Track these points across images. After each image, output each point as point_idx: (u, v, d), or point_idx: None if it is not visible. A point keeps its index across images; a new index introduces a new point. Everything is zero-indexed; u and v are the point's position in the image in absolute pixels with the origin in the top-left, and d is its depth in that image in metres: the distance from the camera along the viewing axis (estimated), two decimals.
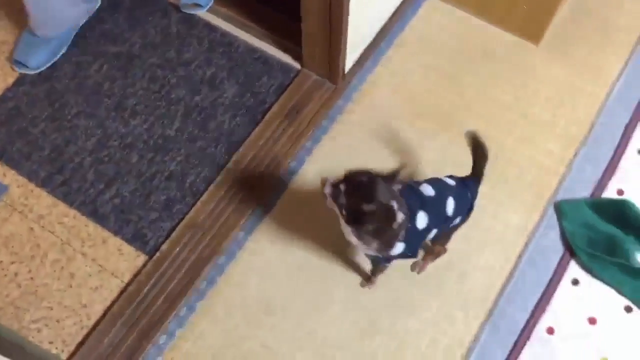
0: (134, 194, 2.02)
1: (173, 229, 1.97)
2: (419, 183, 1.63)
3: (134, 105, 2.15)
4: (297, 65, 2.23)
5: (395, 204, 1.47)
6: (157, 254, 1.93)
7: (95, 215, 1.99)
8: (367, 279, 1.89)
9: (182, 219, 1.99)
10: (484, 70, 2.23)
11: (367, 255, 1.71)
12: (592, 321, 1.86)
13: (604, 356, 1.82)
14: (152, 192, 2.03)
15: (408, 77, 2.22)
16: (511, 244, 1.96)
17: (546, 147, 2.10)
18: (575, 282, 1.91)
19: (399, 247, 1.55)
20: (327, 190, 1.50)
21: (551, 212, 2.01)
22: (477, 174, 1.69)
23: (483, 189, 2.02)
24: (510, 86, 2.20)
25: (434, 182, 1.64)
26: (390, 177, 1.50)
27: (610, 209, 1.98)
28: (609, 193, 2.02)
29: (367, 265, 1.88)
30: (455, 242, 1.85)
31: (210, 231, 1.97)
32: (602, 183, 2.04)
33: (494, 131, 2.12)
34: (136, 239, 1.96)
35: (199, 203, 2.01)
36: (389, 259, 1.65)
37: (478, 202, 1.99)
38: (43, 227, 1.97)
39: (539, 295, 1.90)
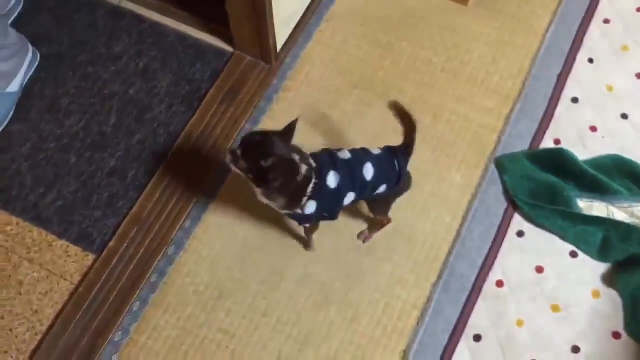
0: (76, 195, 2.00)
1: (119, 225, 1.96)
2: (340, 149, 1.65)
3: (68, 105, 2.12)
4: (229, 49, 2.22)
5: (296, 157, 1.50)
6: (105, 252, 1.92)
7: (39, 220, 1.96)
8: (306, 243, 1.91)
9: (127, 214, 1.97)
10: (415, 35, 2.24)
11: (288, 216, 1.71)
12: (539, 270, 1.90)
13: (554, 302, 1.86)
14: (94, 190, 2.01)
15: (341, 50, 2.22)
16: (456, 203, 1.99)
17: (483, 105, 2.12)
18: (520, 234, 1.94)
19: (311, 205, 1.58)
20: (228, 158, 1.53)
21: (492, 168, 2.04)
22: (407, 142, 1.68)
23: (425, 152, 2.05)
24: (443, 48, 2.21)
25: (355, 150, 1.66)
26: (287, 132, 1.53)
27: (548, 159, 2.01)
28: (546, 144, 2.06)
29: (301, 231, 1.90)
30: (401, 208, 1.87)
31: (156, 223, 1.96)
32: (538, 135, 2.07)
33: (430, 94, 2.14)
34: (82, 240, 1.94)
35: (142, 197, 2.00)
36: (306, 218, 1.66)
37: (421, 166, 2.03)
38: None
39: (486, 250, 1.93)
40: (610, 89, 2.15)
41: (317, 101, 2.14)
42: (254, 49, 2.15)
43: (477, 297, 1.87)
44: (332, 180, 1.57)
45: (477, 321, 1.84)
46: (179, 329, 1.84)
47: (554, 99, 2.12)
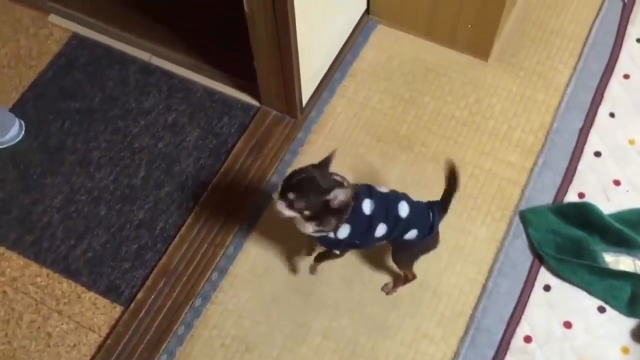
0: (105, 246, 2.03)
1: (147, 277, 1.98)
2: (379, 186, 1.70)
3: (99, 159, 2.17)
4: (255, 103, 2.27)
5: (339, 179, 1.57)
6: (133, 304, 1.94)
7: (68, 271, 1.99)
8: (314, 268, 1.95)
9: (155, 266, 2.00)
10: (438, 90, 2.29)
11: (319, 240, 1.72)
12: (567, 325, 1.89)
13: (583, 358, 1.84)
14: (123, 242, 2.04)
15: (365, 104, 2.27)
16: (481, 256, 1.99)
17: (506, 159, 2.15)
18: (547, 288, 1.94)
19: (345, 230, 1.60)
20: (281, 206, 1.55)
21: (517, 221, 2.05)
22: (445, 199, 1.71)
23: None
24: (465, 102, 2.26)
25: (393, 190, 1.71)
26: (325, 163, 1.58)
27: (573, 213, 2.02)
28: (570, 197, 2.07)
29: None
30: (426, 261, 1.88)
31: (184, 275, 1.98)
32: (562, 188, 2.08)
33: (453, 148, 2.17)
34: (110, 291, 1.96)
35: (170, 248, 2.03)
36: (338, 243, 1.67)
37: (446, 219, 2.03)
38: (16, 289, 1.97)
39: (513, 305, 1.92)
40: (632, 142, 2.17)
41: (341, 154, 2.17)
42: (280, 104, 2.21)
43: (505, 353, 1.85)
44: (367, 206, 1.60)
45: None
46: None
47: (577, 153, 2.14)
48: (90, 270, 1.99)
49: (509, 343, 1.86)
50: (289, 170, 2.14)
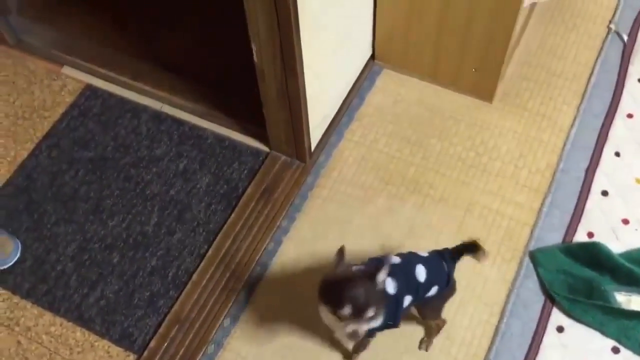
0: (118, 294, 2.04)
1: (160, 324, 1.99)
2: (387, 255, 1.65)
3: (111, 207, 2.21)
4: (265, 149, 2.31)
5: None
6: (146, 352, 1.94)
7: (82, 320, 2.00)
8: (349, 357, 1.89)
9: (168, 313, 2.01)
10: (444, 132, 2.32)
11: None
12: None
13: None
14: (136, 289, 2.05)
15: (372, 147, 2.31)
16: (493, 298, 2.00)
17: (513, 199, 2.17)
18: (560, 329, 1.93)
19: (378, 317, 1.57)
20: (363, 328, 1.49)
21: (527, 262, 2.05)
22: (457, 252, 1.72)
23: None
24: (471, 144, 2.29)
25: (403, 253, 1.70)
26: (341, 260, 1.52)
27: (583, 252, 2.03)
28: (580, 237, 2.08)
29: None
30: None
31: (196, 322, 1.99)
32: (571, 228, 2.09)
33: (460, 189, 2.19)
34: (124, 339, 1.97)
35: (183, 295, 2.04)
36: (372, 332, 1.65)
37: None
38: (30, 338, 1.98)
39: (527, 347, 1.92)
40: (638, 181, 2.18)
41: (350, 197, 2.21)
42: (289, 149, 2.25)
43: None
44: (390, 286, 1.57)
45: None
46: None
47: (584, 193, 2.16)
48: (104, 319, 2.00)
49: None
50: (299, 216, 2.18)
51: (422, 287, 1.64)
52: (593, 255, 2.00)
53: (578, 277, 1.97)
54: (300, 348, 1.94)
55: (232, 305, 2.02)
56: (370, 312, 1.46)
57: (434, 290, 1.68)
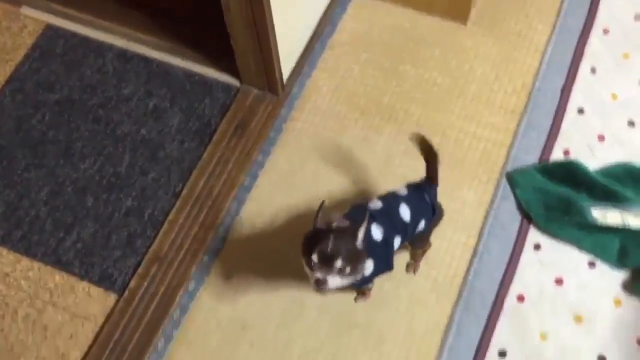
0: (95, 236, 2.02)
1: (139, 264, 1.98)
2: (369, 201, 1.64)
3: (82, 149, 2.16)
4: (236, 83, 2.26)
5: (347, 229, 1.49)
6: (126, 291, 1.94)
7: (60, 263, 1.99)
8: (362, 293, 1.89)
9: (146, 252, 2.00)
10: (418, 58, 2.27)
11: (352, 287, 1.70)
12: (559, 282, 1.90)
13: (577, 314, 1.86)
14: (112, 231, 2.03)
15: (346, 76, 2.26)
16: (471, 220, 2.00)
17: (490, 121, 2.15)
18: (537, 247, 1.95)
19: (369, 265, 1.56)
20: (335, 282, 1.48)
21: (504, 183, 2.05)
22: (430, 175, 1.69)
23: None
24: (446, 68, 2.25)
25: (383, 196, 1.67)
26: (320, 220, 1.50)
27: (559, 171, 2.03)
28: (556, 156, 2.08)
29: None
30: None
31: (175, 260, 1.98)
32: (547, 147, 2.09)
33: (436, 114, 2.17)
34: (104, 280, 1.96)
35: (160, 234, 2.02)
36: (367, 280, 1.66)
37: None
38: (8, 284, 1.96)
39: (504, 266, 1.94)
40: (614, 97, 2.17)
41: (325, 128, 2.17)
42: (260, 81, 2.19)
43: (499, 313, 1.87)
44: (376, 232, 1.56)
45: (501, 337, 1.84)
46: None
47: (560, 111, 2.14)
48: (82, 261, 1.99)
49: (502, 303, 1.88)
50: (274, 150, 2.15)
51: (409, 225, 1.62)
52: (569, 173, 2.01)
53: (554, 195, 1.98)
54: (279, 280, 1.95)
55: (210, 241, 2.01)
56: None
57: (422, 224, 1.66)
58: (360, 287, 1.80)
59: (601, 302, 1.87)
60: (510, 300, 1.89)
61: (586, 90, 2.18)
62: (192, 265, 1.97)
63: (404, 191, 1.68)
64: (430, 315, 1.88)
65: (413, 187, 1.69)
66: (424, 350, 1.84)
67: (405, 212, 1.62)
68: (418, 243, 1.83)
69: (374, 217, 1.58)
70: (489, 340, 1.83)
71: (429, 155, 1.68)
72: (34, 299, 1.94)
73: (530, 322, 1.86)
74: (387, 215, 1.61)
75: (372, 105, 2.20)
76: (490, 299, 1.89)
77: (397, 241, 1.63)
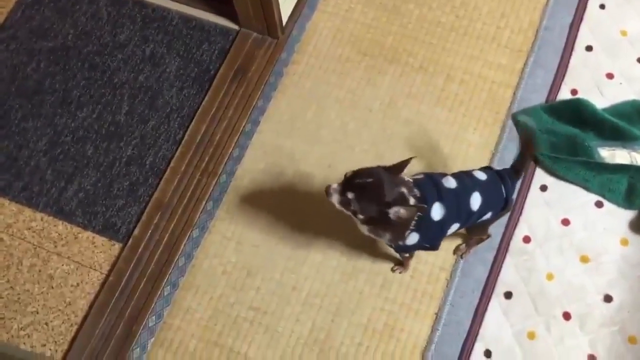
0: (96, 185, 2.00)
1: (142, 212, 1.97)
2: (443, 175, 1.56)
3: (79, 97, 2.12)
4: (234, 27, 2.19)
5: (404, 190, 1.44)
6: (131, 240, 1.93)
7: (62, 213, 1.98)
8: (399, 263, 1.87)
9: (149, 200, 1.98)
10: None
11: (388, 246, 1.67)
12: (565, 222, 1.89)
13: (583, 254, 1.86)
14: (114, 180, 2.01)
15: (347, 17, 2.19)
16: (476, 162, 1.97)
17: (495, 61, 2.09)
18: (543, 188, 1.93)
19: (413, 237, 1.52)
20: (336, 199, 1.46)
21: (510, 124, 2.01)
22: (518, 167, 1.61)
23: (441, 113, 2.04)
24: (450, 7, 2.17)
25: (460, 175, 1.57)
26: (398, 167, 1.46)
27: (566, 110, 1.98)
28: (563, 95, 2.03)
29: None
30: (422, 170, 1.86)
31: (178, 207, 1.97)
32: (555, 86, 2.04)
33: (441, 55, 2.11)
34: (107, 229, 1.95)
35: (162, 182, 2.00)
36: (407, 249, 1.62)
37: (438, 128, 2.01)
38: (12, 235, 1.96)
39: None
40: (624, 33, 2.10)
41: (327, 71, 2.12)
42: (259, 25, 2.13)
43: (505, 254, 1.86)
44: (436, 212, 1.50)
45: (507, 278, 1.84)
46: (211, 309, 1.86)
47: (568, 49, 2.08)
48: (84, 210, 1.98)
49: (508, 245, 1.87)
50: (275, 94, 2.10)
51: (474, 215, 1.55)
52: (577, 112, 1.96)
53: (561, 135, 1.94)
54: (284, 226, 1.94)
55: (213, 188, 1.99)
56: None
57: (487, 215, 1.59)
58: (400, 253, 1.72)
59: (608, 241, 1.86)
60: (516, 241, 1.87)
61: (595, 26, 2.11)
62: (195, 213, 1.96)
63: (482, 176, 1.57)
64: (435, 258, 1.87)
65: (492, 175, 1.58)
66: (429, 292, 1.84)
67: (475, 201, 1.53)
68: (475, 231, 1.76)
69: (441, 196, 1.50)
70: (494, 281, 1.83)
71: (527, 148, 1.61)
72: (38, 248, 1.94)
73: (536, 263, 1.85)
74: (455, 199, 1.52)
75: (374, 46, 2.14)
76: (496, 240, 1.88)
77: (454, 227, 1.56)
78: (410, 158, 1.46)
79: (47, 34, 2.20)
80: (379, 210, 1.43)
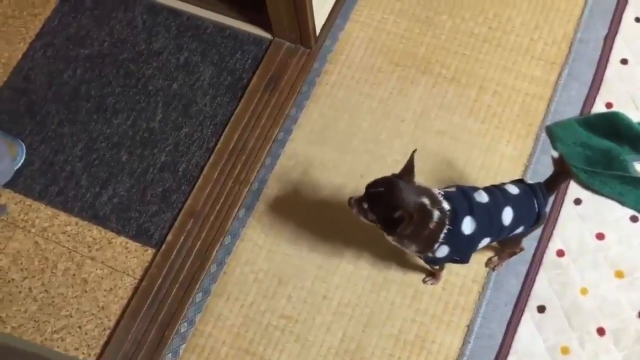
0: (130, 191, 2.03)
1: (175, 218, 1.99)
2: (475, 189, 1.56)
3: (114, 104, 2.15)
4: (268, 36, 2.21)
5: (427, 201, 1.44)
6: (164, 246, 1.95)
7: (97, 218, 2.00)
8: (430, 274, 1.86)
9: (182, 207, 2.00)
10: (454, 7, 2.20)
11: (418, 257, 1.67)
12: (600, 237, 1.87)
13: (618, 269, 1.84)
14: (148, 186, 2.03)
15: (379, 28, 2.20)
16: (509, 174, 1.96)
17: (529, 73, 2.09)
18: (577, 201, 1.91)
19: (442, 250, 1.51)
20: (354, 209, 1.49)
21: (544, 137, 2.00)
22: (552, 185, 1.61)
23: (474, 125, 2.03)
24: (483, 18, 2.17)
25: (492, 190, 1.56)
26: (407, 170, 1.46)
27: (601, 123, 1.97)
28: (598, 108, 2.02)
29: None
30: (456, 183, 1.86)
31: (211, 214, 1.98)
32: (589, 99, 2.03)
33: (474, 66, 2.11)
34: (140, 235, 1.97)
35: (195, 189, 2.02)
36: (437, 261, 1.62)
37: (471, 140, 2.01)
38: (47, 239, 1.98)
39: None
40: None
41: (359, 82, 2.13)
42: (292, 34, 2.15)
43: (538, 267, 1.85)
44: (467, 226, 1.49)
45: (540, 292, 1.82)
46: (242, 316, 1.87)
47: (603, 62, 2.07)
48: (118, 216, 2.00)
49: (541, 258, 1.86)
50: (307, 104, 2.11)
51: (506, 229, 1.54)
52: (612, 125, 1.95)
53: (596, 149, 1.93)
54: (315, 234, 1.94)
55: (245, 196, 2.00)
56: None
57: (519, 229, 1.58)
58: (429, 264, 1.71)
59: None
60: (549, 255, 1.86)
61: (630, 39, 2.10)
62: (228, 220, 1.97)
63: (514, 190, 1.56)
64: (467, 270, 1.86)
65: (524, 189, 1.57)
66: (461, 304, 1.83)
67: (507, 216, 1.52)
68: (508, 244, 1.75)
69: (473, 210, 1.49)
70: (527, 295, 1.82)
71: (563, 169, 1.60)
72: (73, 252, 1.96)
73: (570, 277, 1.84)
74: (487, 214, 1.51)
75: (407, 57, 2.15)
76: (530, 253, 1.87)
77: (485, 241, 1.55)
78: (413, 153, 1.47)
79: (83, 42, 2.24)
80: (390, 218, 1.44)
